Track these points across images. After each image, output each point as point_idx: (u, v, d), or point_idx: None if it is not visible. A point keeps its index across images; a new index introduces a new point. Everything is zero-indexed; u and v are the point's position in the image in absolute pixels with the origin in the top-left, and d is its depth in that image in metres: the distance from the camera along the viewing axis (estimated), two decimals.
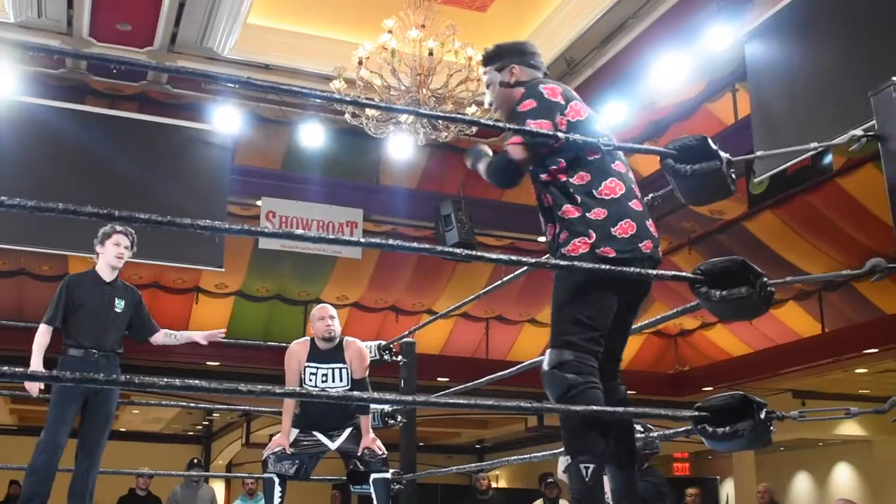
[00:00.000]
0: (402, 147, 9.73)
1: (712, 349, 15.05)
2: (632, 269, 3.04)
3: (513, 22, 9.64)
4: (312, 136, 10.66)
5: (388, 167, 11.89)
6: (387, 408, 6.08)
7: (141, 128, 10.14)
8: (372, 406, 5.87)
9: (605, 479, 3.22)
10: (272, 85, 3.48)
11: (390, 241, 2.95)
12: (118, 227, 5.24)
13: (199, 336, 5.62)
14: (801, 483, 20.03)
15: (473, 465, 15.80)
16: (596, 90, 9.92)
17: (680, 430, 3.58)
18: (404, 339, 6.41)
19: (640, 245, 3.13)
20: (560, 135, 3.14)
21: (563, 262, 3.01)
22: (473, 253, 3.18)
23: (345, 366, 5.71)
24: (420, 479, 6.21)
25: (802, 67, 7.58)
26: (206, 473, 16.21)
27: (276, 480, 5.55)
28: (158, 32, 9.25)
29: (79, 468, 5.11)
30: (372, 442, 5.61)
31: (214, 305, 13.27)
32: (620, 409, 3.10)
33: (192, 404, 10.70)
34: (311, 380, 5.69)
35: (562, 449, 3.12)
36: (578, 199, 3.16)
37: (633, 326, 4.18)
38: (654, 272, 3.16)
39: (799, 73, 7.59)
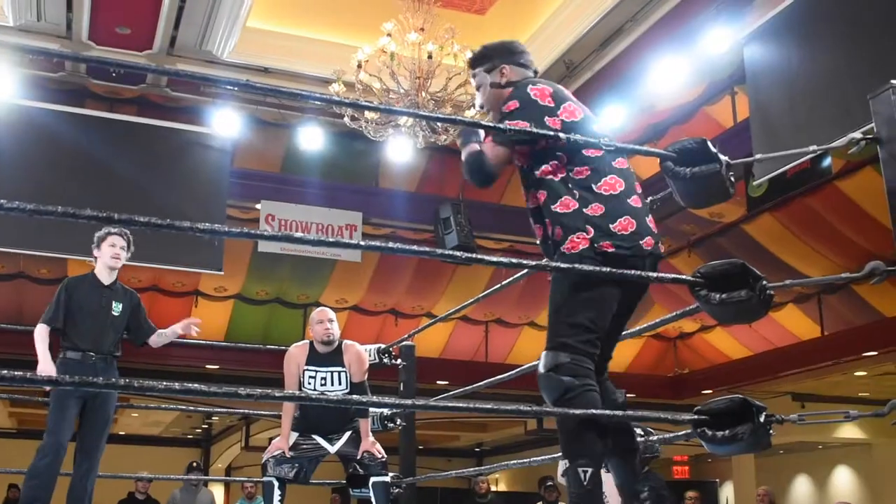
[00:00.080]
0: (401, 150, 9.73)
1: (712, 352, 15.05)
2: (632, 271, 3.03)
3: (512, 25, 9.65)
4: (311, 139, 10.67)
5: (387, 170, 11.89)
6: (386, 411, 6.08)
7: (140, 131, 10.15)
8: (371, 409, 5.87)
9: (607, 477, 3.21)
10: (271, 88, 3.47)
11: (390, 244, 2.94)
12: (113, 229, 5.24)
13: (178, 327, 5.58)
14: (801, 486, 20.03)
15: (473, 468, 15.81)
16: (595, 93, 9.92)
17: (679, 433, 3.57)
18: (404, 343, 6.40)
19: (640, 242, 3.11)
20: (552, 133, 3.11)
21: (563, 265, 2.99)
22: (473, 256, 3.17)
23: (344, 369, 5.70)
24: (419, 483, 6.20)
25: (801, 70, 7.59)
26: (206, 477, 16.18)
27: (276, 484, 5.54)
28: (157, 36, 9.25)
29: (77, 472, 5.11)
30: (371, 445, 5.60)
31: (214, 309, 13.26)
32: (619, 412, 3.09)
33: (192, 408, 10.70)
34: (310, 383, 5.69)
35: (560, 453, 3.12)
36: (577, 193, 3.12)
37: (633, 329, 4.20)
38: (654, 274, 3.15)
39: (798, 75, 7.59)
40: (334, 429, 5.70)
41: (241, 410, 11.98)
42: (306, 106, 10.62)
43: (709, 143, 3.11)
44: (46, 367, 4.99)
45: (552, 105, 3.24)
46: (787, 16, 7.79)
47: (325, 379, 5.69)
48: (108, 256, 5.28)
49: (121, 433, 19.46)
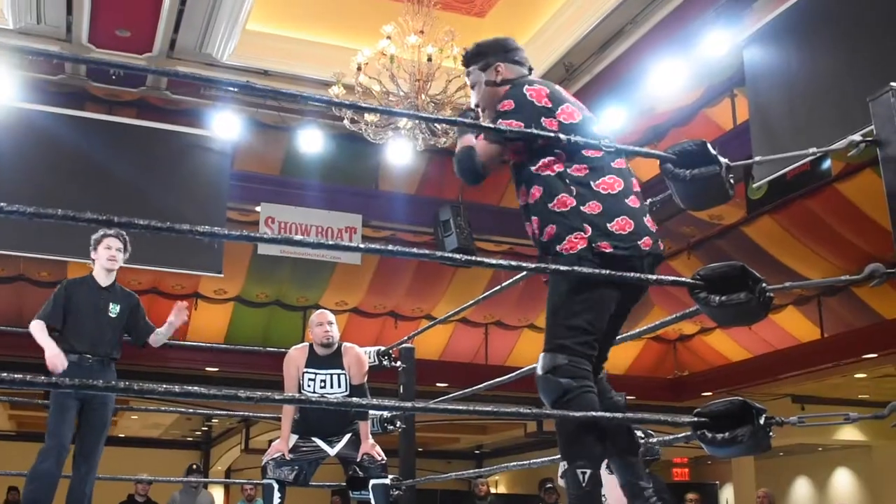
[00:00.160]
0: (400, 152, 9.73)
1: (711, 354, 15.05)
2: (632, 273, 3.03)
3: (511, 27, 9.64)
4: (311, 141, 10.67)
5: (386, 173, 11.89)
6: (386, 413, 6.08)
7: (140, 133, 10.14)
8: (371, 412, 5.87)
9: (608, 479, 3.21)
10: (271, 90, 3.47)
11: (389, 247, 2.94)
12: (109, 231, 5.24)
13: (171, 318, 5.55)
14: (801, 488, 20.03)
15: (472, 470, 15.80)
16: (594, 96, 9.92)
17: (679, 435, 3.57)
18: (403, 345, 6.40)
19: (638, 242, 3.08)
20: (550, 134, 3.11)
21: (562, 268, 2.98)
22: (473, 258, 3.17)
23: (343, 372, 5.70)
24: (419, 485, 6.20)
25: (801, 73, 7.59)
26: (205, 479, 16.19)
27: (276, 486, 5.54)
28: (157, 38, 9.25)
29: (76, 474, 5.11)
30: (371, 448, 5.60)
31: (213, 311, 13.27)
32: (619, 414, 3.08)
33: (191, 410, 10.69)
34: (309, 385, 5.69)
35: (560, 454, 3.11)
36: (574, 189, 3.09)
37: (633, 331, 4.19)
38: (654, 276, 3.14)
39: (797, 78, 7.60)
40: (334, 431, 5.70)
41: (241, 413, 11.97)
42: (306, 108, 10.63)
43: (708, 146, 3.11)
44: (54, 352, 4.97)
45: (549, 106, 3.21)
46: (787, 18, 7.80)
47: (324, 381, 5.69)
48: (105, 259, 5.28)
49: (120, 435, 19.46)
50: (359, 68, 8.58)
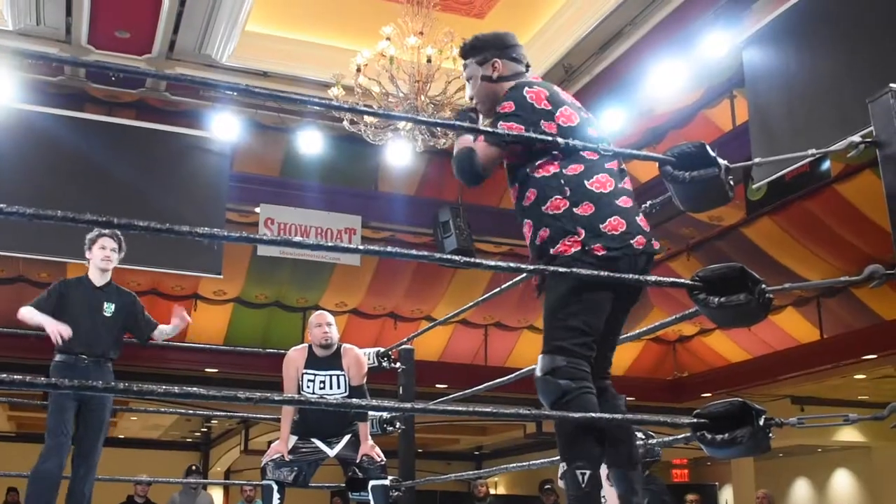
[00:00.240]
0: (400, 154, 9.73)
1: (711, 355, 15.05)
2: (630, 275, 3.03)
3: (510, 28, 9.52)
4: (311, 142, 10.67)
5: (386, 174, 11.89)
6: (385, 415, 6.08)
7: (139, 135, 10.14)
8: (370, 413, 5.87)
9: (608, 484, 3.21)
10: (271, 92, 3.47)
11: (389, 248, 2.95)
12: (104, 231, 5.24)
13: (176, 321, 5.56)
14: (800, 489, 20.04)
15: (472, 472, 15.80)
16: (594, 97, 9.92)
17: (679, 436, 3.57)
18: (403, 346, 6.40)
19: (631, 242, 3.08)
20: (548, 139, 3.11)
21: (561, 269, 2.99)
22: (472, 260, 3.17)
23: (342, 373, 5.71)
24: (419, 486, 6.20)
25: (800, 74, 7.59)
26: (205, 480, 16.19)
27: (275, 487, 5.54)
28: (157, 40, 9.25)
29: (75, 476, 5.11)
30: (370, 449, 5.61)
31: (213, 312, 13.27)
32: (618, 416, 3.08)
33: (191, 411, 10.68)
34: (308, 387, 5.69)
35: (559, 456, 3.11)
36: (567, 190, 3.10)
37: (633, 332, 4.19)
38: (653, 278, 3.14)
39: (797, 79, 7.60)
40: (333, 432, 5.70)
41: (241, 414, 11.96)
42: (305, 110, 10.63)
43: (707, 147, 3.11)
44: (53, 323, 4.98)
45: (549, 108, 3.22)
46: (786, 19, 7.80)
47: (323, 382, 5.70)
48: (99, 258, 5.29)
49: (120, 436, 19.45)
50: (358, 69, 8.58)
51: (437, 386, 12.55)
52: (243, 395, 2.45)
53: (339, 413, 5.65)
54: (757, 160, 3.80)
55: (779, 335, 13.33)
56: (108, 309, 5.28)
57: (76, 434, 5.14)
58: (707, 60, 8.88)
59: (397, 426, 6.11)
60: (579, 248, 3.05)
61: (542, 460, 4.66)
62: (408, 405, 3.41)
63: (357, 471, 5.59)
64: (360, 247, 2.99)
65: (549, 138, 3.11)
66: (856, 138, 2.90)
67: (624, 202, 3.16)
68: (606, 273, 2.98)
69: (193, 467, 12.52)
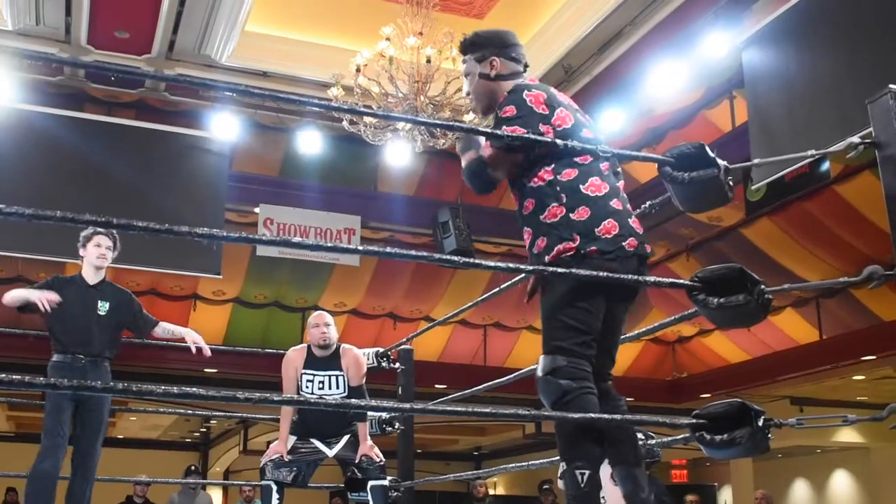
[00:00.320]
0: (399, 154, 9.73)
1: (710, 356, 15.05)
2: (629, 276, 3.03)
3: (510, 29, 9.64)
4: (310, 142, 10.66)
5: (385, 174, 11.89)
6: (384, 415, 6.08)
7: (138, 135, 10.14)
8: (369, 413, 5.87)
9: (610, 486, 3.21)
10: (270, 93, 3.47)
11: (388, 249, 2.95)
12: (99, 229, 5.20)
13: (189, 337, 5.54)
14: (799, 490, 20.04)
15: (471, 472, 15.80)
16: (593, 97, 9.92)
17: (678, 437, 3.57)
18: (402, 346, 6.40)
19: (623, 244, 3.10)
20: (550, 140, 3.12)
21: (560, 269, 3.00)
22: (471, 260, 3.18)
23: (341, 373, 5.71)
24: (418, 487, 6.20)
25: (800, 75, 7.59)
26: (204, 481, 16.19)
27: (274, 488, 5.54)
28: (156, 40, 9.25)
29: (74, 476, 5.10)
30: (370, 449, 5.61)
31: (212, 312, 13.26)
32: (617, 416, 3.09)
33: (190, 411, 10.66)
34: (307, 387, 5.69)
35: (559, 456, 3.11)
36: (564, 197, 3.11)
37: (632, 333, 4.20)
38: (653, 279, 3.15)
39: (796, 80, 7.60)
40: (332, 433, 5.70)
41: (240, 414, 11.96)
42: (305, 110, 10.62)
43: (707, 148, 3.11)
44: (38, 293, 4.98)
45: (546, 112, 3.22)
46: (786, 20, 7.80)
47: (322, 383, 5.70)
48: (94, 256, 5.25)
49: (119, 437, 19.45)
50: (358, 70, 8.58)
51: (437, 386, 12.55)
52: (242, 395, 2.45)
53: (338, 413, 5.65)
54: (756, 161, 3.81)
55: (778, 336, 13.32)
56: (103, 307, 5.23)
57: (74, 435, 5.13)
58: (707, 61, 8.88)
59: (396, 426, 6.11)
60: (573, 252, 3.07)
61: (542, 461, 4.67)
62: (407, 405, 3.41)
63: (356, 471, 5.60)
64: (360, 247, 2.99)
65: (549, 139, 3.12)
66: (855, 139, 2.90)
67: (616, 204, 3.17)
68: (606, 273, 2.99)
69: (192, 467, 12.51)
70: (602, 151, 3.22)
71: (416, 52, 8.68)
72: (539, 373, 3.04)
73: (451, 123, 3.43)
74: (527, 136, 3.12)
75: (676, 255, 12.65)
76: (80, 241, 5.27)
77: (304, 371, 5.71)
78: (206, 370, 13.33)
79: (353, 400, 5.44)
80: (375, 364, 6.28)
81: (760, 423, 2.78)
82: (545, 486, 11.61)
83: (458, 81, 8.50)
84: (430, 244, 11.60)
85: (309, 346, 5.79)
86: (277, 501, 5.54)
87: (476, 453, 23.39)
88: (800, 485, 20.03)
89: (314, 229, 11.56)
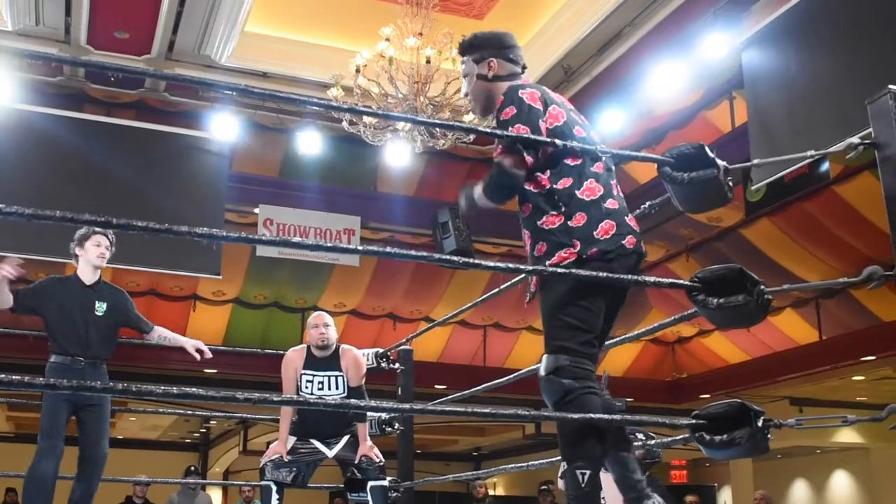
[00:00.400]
0: (399, 154, 9.73)
1: (710, 356, 15.04)
2: (628, 276, 3.04)
3: (509, 29, 9.57)
4: (310, 143, 10.66)
5: (385, 174, 11.89)
6: (384, 415, 6.08)
7: (138, 135, 10.13)
8: (369, 414, 5.87)
9: (605, 478, 3.21)
10: (270, 93, 3.47)
11: (388, 249, 2.95)
12: (96, 228, 5.16)
13: (189, 344, 5.54)
14: (799, 490, 20.03)
15: (471, 472, 15.81)
16: (593, 98, 9.93)
17: (678, 437, 3.57)
18: (402, 347, 6.40)
19: (622, 242, 3.12)
20: (558, 142, 3.13)
21: (560, 270, 3.01)
22: (471, 261, 3.18)
23: (341, 374, 5.71)
24: (417, 487, 6.19)
25: (799, 75, 7.59)
26: (203, 481, 16.18)
27: (274, 488, 5.54)
28: (156, 40, 9.25)
29: (81, 478, 5.07)
30: (369, 450, 5.61)
31: (212, 313, 13.26)
32: (618, 416, 3.09)
33: (190, 412, 10.64)
34: (307, 387, 5.69)
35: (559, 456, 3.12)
36: (562, 205, 3.13)
37: (632, 333, 4.20)
38: (652, 279, 3.15)
39: (796, 80, 7.60)
40: (332, 433, 5.70)
41: (239, 414, 11.94)
42: (305, 110, 10.62)
43: (706, 148, 3.11)
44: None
45: (541, 109, 3.24)
46: (786, 21, 7.80)
47: (322, 383, 5.69)
48: (95, 255, 5.20)
49: (119, 437, 19.43)
50: (357, 70, 8.58)
51: (436, 387, 12.55)
52: (242, 395, 2.45)
53: (337, 414, 5.65)
54: (756, 161, 3.81)
55: (777, 336, 13.32)
56: (100, 308, 5.19)
57: (80, 440, 5.09)
58: (706, 61, 8.88)
59: (396, 427, 6.10)
60: (575, 258, 3.08)
61: (541, 461, 4.66)
62: (406, 406, 3.41)
63: (356, 471, 5.60)
64: (359, 247, 2.99)
65: (556, 142, 3.13)
66: (855, 140, 2.90)
67: (612, 204, 3.18)
68: (605, 274, 2.99)
69: (192, 468, 12.51)
70: (601, 152, 3.24)
71: (416, 53, 8.68)
72: (542, 372, 3.04)
73: (450, 123, 3.44)
74: (534, 137, 3.13)
75: (676, 255, 12.65)
76: (76, 240, 5.23)
77: (303, 371, 5.70)
78: (205, 371, 13.31)
79: (352, 400, 5.44)
80: (375, 364, 6.28)
81: (760, 423, 2.78)
82: (543, 488, 11.61)
83: (458, 82, 8.51)
84: (430, 244, 11.57)
85: (308, 347, 5.78)
86: (277, 502, 5.54)
87: (476, 454, 23.39)
88: (799, 485, 20.02)
89: (314, 230, 11.56)
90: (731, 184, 3.13)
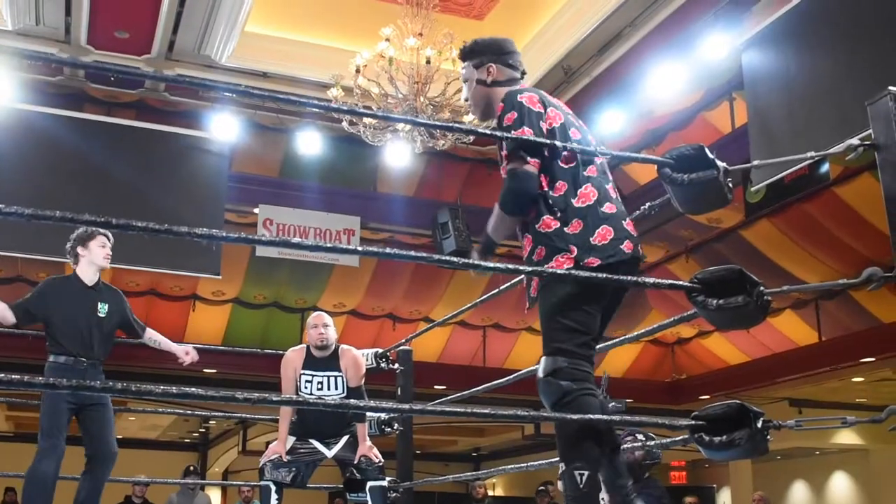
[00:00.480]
0: (399, 155, 9.73)
1: (709, 358, 15.04)
2: (629, 277, 3.04)
3: (510, 30, 9.64)
4: (310, 143, 10.66)
5: (385, 175, 11.89)
6: (383, 416, 6.08)
7: (138, 135, 10.13)
8: (368, 414, 5.87)
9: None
10: (270, 93, 3.47)
11: (387, 249, 2.95)
12: (98, 229, 5.13)
13: (180, 350, 5.55)
14: (798, 492, 20.03)
15: (470, 473, 15.80)
16: (593, 99, 9.93)
17: (677, 438, 3.57)
18: (401, 347, 6.40)
19: (621, 247, 3.13)
20: (558, 143, 3.13)
21: (560, 271, 3.01)
22: (470, 261, 3.18)
23: (340, 374, 5.70)
24: (416, 487, 6.19)
25: (799, 76, 7.60)
26: (203, 481, 16.17)
27: (273, 488, 5.54)
28: (156, 40, 9.25)
29: (86, 478, 5.06)
30: (368, 450, 5.61)
31: (211, 313, 13.26)
32: (617, 417, 3.09)
33: (189, 411, 10.63)
34: (306, 387, 5.69)
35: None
36: (558, 211, 3.14)
37: (631, 334, 4.20)
38: (652, 280, 3.16)
39: (796, 81, 7.60)
40: (331, 433, 5.70)
41: (239, 414, 11.94)
42: (304, 110, 10.62)
43: (706, 149, 3.11)
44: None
45: (542, 111, 3.26)
46: (786, 22, 7.80)
47: (321, 383, 5.69)
48: (101, 257, 5.19)
49: (118, 437, 19.20)
50: (357, 70, 8.58)
51: (436, 387, 12.55)
52: (241, 395, 2.45)
53: (337, 414, 5.65)
54: (756, 162, 3.81)
55: (777, 338, 13.32)
56: (103, 309, 5.18)
57: (85, 441, 5.07)
58: (706, 62, 8.88)
59: (395, 427, 6.10)
60: (572, 264, 3.09)
61: (541, 462, 4.66)
62: (406, 406, 3.42)
63: (355, 472, 5.60)
64: (359, 248, 2.99)
65: (559, 144, 3.14)
66: (854, 141, 2.89)
67: (609, 209, 3.19)
68: (604, 275, 3.00)
69: (191, 468, 12.50)
70: (601, 153, 3.25)
71: (416, 53, 8.68)
72: (540, 374, 3.05)
73: (450, 124, 3.45)
74: (544, 140, 3.13)
75: (676, 256, 12.65)
76: (77, 240, 5.20)
77: (302, 372, 5.70)
78: (205, 370, 13.32)
79: (351, 400, 5.44)
80: (374, 365, 6.28)
81: (759, 424, 2.77)
82: (541, 488, 11.60)
83: (458, 83, 8.51)
84: (430, 245, 11.61)
85: (308, 347, 5.78)
86: (276, 502, 5.54)
87: (475, 454, 23.39)
88: (799, 486, 20.02)
89: (314, 230, 11.56)
90: (730, 185, 3.13)
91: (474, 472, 17.15)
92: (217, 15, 8.86)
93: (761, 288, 2.88)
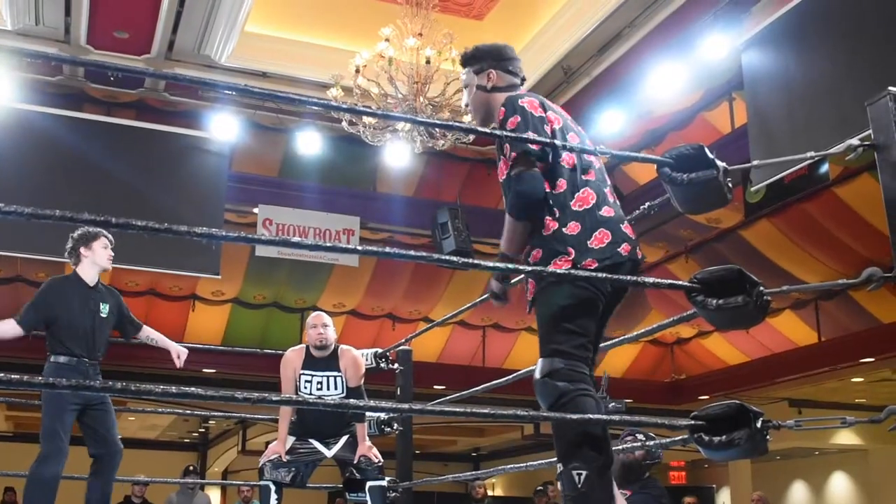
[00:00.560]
0: (398, 155, 9.73)
1: (709, 358, 15.05)
2: (629, 277, 3.04)
3: (510, 30, 9.65)
4: (309, 143, 10.67)
5: (384, 175, 11.89)
6: (383, 416, 6.08)
7: (138, 135, 10.14)
8: (368, 414, 5.87)
9: (620, 499, 3.21)
10: (269, 93, 3.47)
11: (387, 249, 2.95)
12: (100, 230, 5.12)
13: (174, 348, 5.55)
14: (798, 492, 20.04)
15: (469, 473, 15.81)
16: (593, 99, 9.93)
17: (676, 438, 3.57)
18: (401, 347, 6.40)
19: (618, 250, 3.13)
20: (558, 143, 3.13)
21: (560, 271, 3.01)
22: (470, 261, 3.18)
23: (339, 374, 5.70)
24: (416, 487, 6.19)
25: (799, 76, 7.60)
26: (202, 481, 16.16)
27: (273, 488, 5.54)
28: (156, 40, 9.25)
29: (94, 478, 5.05)
30: (368, 450, 5.61)
31: (211, 313, 13.26)
32: (616, 417, 3.09)
33: (188, 411, 10.62)
34: (306, 387, 5.68)
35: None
36: (556, 212, 3.15)
37: (631, 334, 4.20)
38: (651, 280, 3.16)
39: (796, 82, 7.60)
40: (331, 433, 5.70)
41: (238, 414, 11.95)
42: (304, 110, 10.62)
43: (706, 149, 3.11)
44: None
45: (543, 115, 3.27)
46: (785, 22, 7.80)
47: (321, 383, 5.69)
48: (105, 257, 5.19)
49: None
50: (357, 70, 8.58)
51: (435, 387, 12.55)
52: (241, 395, 2.45)
53: (336, 414, 5.65)
54: (755, 162, 3.81)
55: (776, 338, 13.33)
56: (104, 309, 5.18)
57: (90, 442, 5.05)
58: (706, 63, 8.88)
59: (395, 427, 6.10)
60: (570, 266, 3.09)
61: (540, 462, 4.66)
62: (405, 406, 3.41)
63: (354, 471, 5.59)
64: (359, 247, 2.99)
65: (563, 144, 3.14)
66: (854, 141, 2.89)
67: (607, 212, 3.20)
68: (604, 275, 3.00)
69: (191, 467, 12.49)
70: (601, 152, 3.25)
71: (416, 53, 8.68)
72: (537, 375, 3.06)
73: (450, 124, 3.44)
74: (548, 140, 3.14)
75: (675, 256, 12.65)
76: (79, 239, 5.19)
77: (302, 371, 5.70)
78: (204, 370, 13.32)
79: (351, 400, 5.44)
80: (374, 365, 6.28)
81: (759, 424, 2.77)
82: (539, 488, 11.60)
83: (458, 83, 8.52)
84: (430, 245, 11.61)
85: (307, 347, 5.78)
86: (276, 502, 5.54)
87: (474, 454, 23.39)
88: (798, 486, 20.03)
89: (313, 230, 11.56)
90: (730, 185, 3.13)
91: (474, 472, 17.14)
92: (217, 15, 8.87)
93: (761, 288, 2.88)
